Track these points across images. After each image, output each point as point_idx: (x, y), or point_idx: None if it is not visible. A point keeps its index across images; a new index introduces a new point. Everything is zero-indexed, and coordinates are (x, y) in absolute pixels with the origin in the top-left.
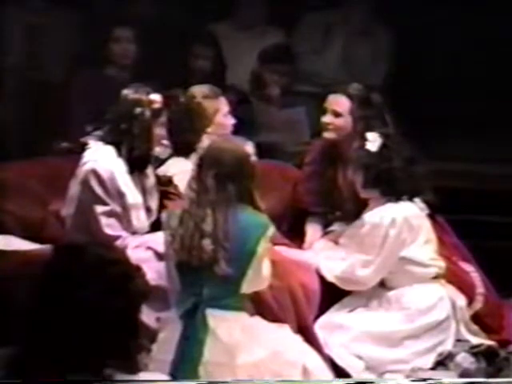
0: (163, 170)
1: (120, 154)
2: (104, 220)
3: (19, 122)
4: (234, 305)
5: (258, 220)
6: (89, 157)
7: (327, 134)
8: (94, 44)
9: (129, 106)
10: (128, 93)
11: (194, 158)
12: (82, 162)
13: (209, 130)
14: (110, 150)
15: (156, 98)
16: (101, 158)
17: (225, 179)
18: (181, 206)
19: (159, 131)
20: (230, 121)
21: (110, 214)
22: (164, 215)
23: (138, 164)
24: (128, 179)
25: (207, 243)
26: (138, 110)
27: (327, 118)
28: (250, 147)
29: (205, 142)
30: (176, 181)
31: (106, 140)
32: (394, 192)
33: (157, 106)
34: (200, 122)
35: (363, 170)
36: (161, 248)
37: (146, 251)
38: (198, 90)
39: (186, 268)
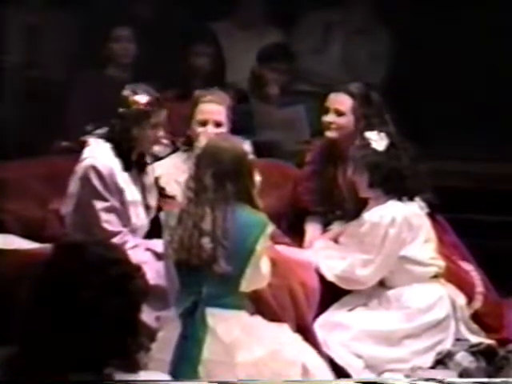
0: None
1: (116, 152)
2: (104, 216)
3: (19, 121)
4: (234, 303)
5: (256, 218)
6: (88, 153)
7: (330, 134)
8: (93, 44)
9: (120, 104)
10: (124, 91)
11: (176, 158)
12: (81, 159)
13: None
14: (109, 147)
15: (140, 99)
16: (100, 154)
17: (223, 178)
18: (179, 206)
19: (151, 133)
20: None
21: (109, 210)
22: (162, 215)
23: (133, 162)
24: (127, 176)
25: (206, 242)
26: (121, 110)
27: (330, 118)
28: (247, 146)
29: (202, 141)
30: (162, 183)
31: (105, 138)
32: (402, 190)
33: (141, 107)
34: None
35: (370, 170)
36: (159, 249)
37: (144, 252)
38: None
39: (185, 267)
